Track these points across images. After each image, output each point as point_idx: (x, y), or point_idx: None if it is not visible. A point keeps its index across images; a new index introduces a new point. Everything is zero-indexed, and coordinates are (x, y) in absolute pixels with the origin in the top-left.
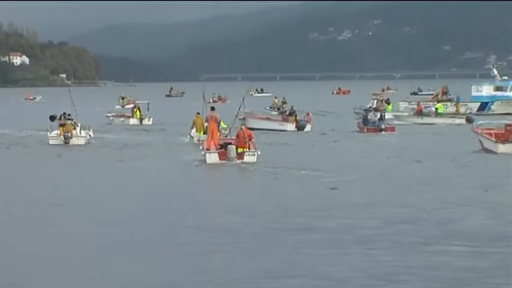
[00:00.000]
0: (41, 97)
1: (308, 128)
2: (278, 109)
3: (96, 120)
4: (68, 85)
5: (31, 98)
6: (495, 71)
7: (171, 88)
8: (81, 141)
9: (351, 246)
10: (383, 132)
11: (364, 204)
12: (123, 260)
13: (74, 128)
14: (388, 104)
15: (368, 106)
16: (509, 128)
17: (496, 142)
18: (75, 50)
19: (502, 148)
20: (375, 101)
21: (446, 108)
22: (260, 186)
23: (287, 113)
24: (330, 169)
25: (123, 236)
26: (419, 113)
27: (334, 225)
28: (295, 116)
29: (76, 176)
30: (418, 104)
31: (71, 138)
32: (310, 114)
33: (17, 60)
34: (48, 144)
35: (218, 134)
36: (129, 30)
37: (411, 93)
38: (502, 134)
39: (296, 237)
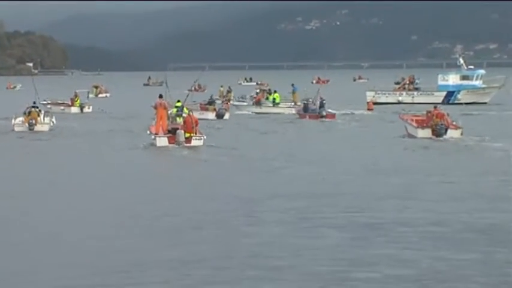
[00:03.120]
0: (21, 85)
1: (227, 116)
2: (224, 97)
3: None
4: (34, 74)
5: (12, 86)
6: (461, 61)
7: (149, 77)
8: (45, 128)
9: None
10: (323, 119)
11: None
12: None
13: (38, 115)
14: (270, 94)
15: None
16: (429, 114)
17: (417, 128)
18: (42, 39)
19: (421, 133)
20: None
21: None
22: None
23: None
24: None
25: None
26: (258, 102)
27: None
28: (215, 104)
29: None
30: (257, 94)
31: (36, 125)
32: (229, 104)
33: None
34: (14, 130)
35: (166, 119)
36: (97, 20)
37: (395, 83)
38: (422, 120)
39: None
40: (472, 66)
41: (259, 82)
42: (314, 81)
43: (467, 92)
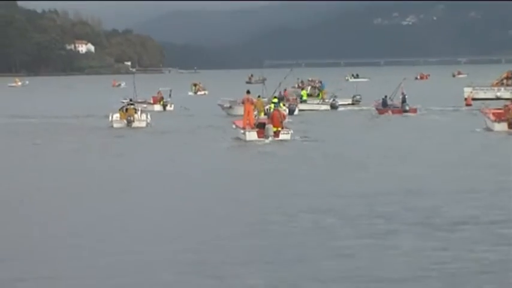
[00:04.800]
0: (124, 83)
1: (296, 111)
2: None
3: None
4: (132, 72)
5: (117, 84)
6: None
7: (251, 75)
8: (143, 124)
9: None
10: (406, 114)
11: None
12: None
13: (135, 112)
14: (320, 90)
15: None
16: (506, 108)
17: (494, 121)
18: (139, 38)
19: (498, 127)
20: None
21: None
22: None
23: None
24: None
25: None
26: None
27: None
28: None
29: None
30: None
31: (133, 121)
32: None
33: (83, 48)
34: (112, 127)
35: (253, 114)
36: (192, 17)
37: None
38: (500, 113)
39: None
40: None
41: (310, 79)
42: (418, 77)
43: None
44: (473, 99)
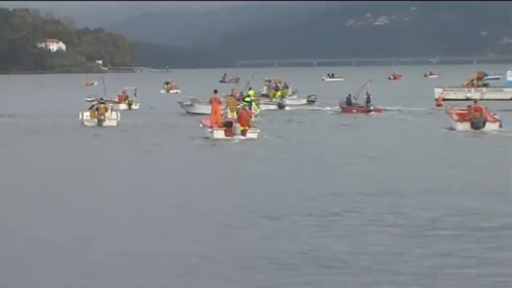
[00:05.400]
0: (97, 82)
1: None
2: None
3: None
4: (104, 71)
5: (90, 83)
6: None
7: (225, 74)
8: (114, 123)
9: None
10: (371, 113)
11: None
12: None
13: (106, 111)
14: (277, 90)
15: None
16: (469, 108)
17: (457, 121)
18: (111, 37)
19: (461, 126)
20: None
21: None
22: None
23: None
24: None
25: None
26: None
27: None
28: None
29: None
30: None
31: (104, 120)
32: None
33: (54, 46)
34: (83, 125)
35: (220, 113)
36: (165, 18)
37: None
38: (463, 113)
39: None
40: None
41: (265, 79)
42: (392, 77)
43: None
44: (444, 99)
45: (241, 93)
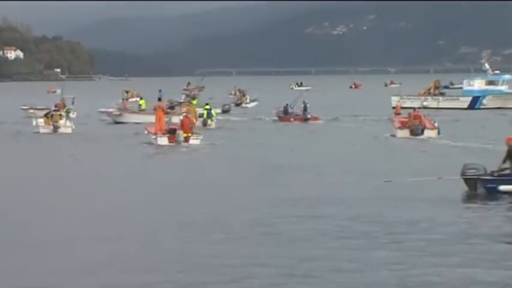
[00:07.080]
0: (60, 90)
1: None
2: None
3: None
4: (62, 79)
5: (52, 91)
6: (487, 65)
7: (189, 83)
8: (69, 131)
9: None
10: (308, 121)
11: None
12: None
13: (61, 119)
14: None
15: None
16: (409, 116)
17: (397, 128)
18: (69, 44)
19: (400, 133)
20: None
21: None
22: None
23: None
24: None
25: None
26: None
27: None
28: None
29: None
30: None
31: (59, 127)
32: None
33: (11, 54)
34: (38, 132)
35: (164, 121)
36: (125, 25)
37: (444, 87)
38: (405, 121)
39: None
40: (498, 71)
41: (185, 87)
42: (353, 86)
43: (493, 97)
44: (401, 107)
45: (169, 100)
